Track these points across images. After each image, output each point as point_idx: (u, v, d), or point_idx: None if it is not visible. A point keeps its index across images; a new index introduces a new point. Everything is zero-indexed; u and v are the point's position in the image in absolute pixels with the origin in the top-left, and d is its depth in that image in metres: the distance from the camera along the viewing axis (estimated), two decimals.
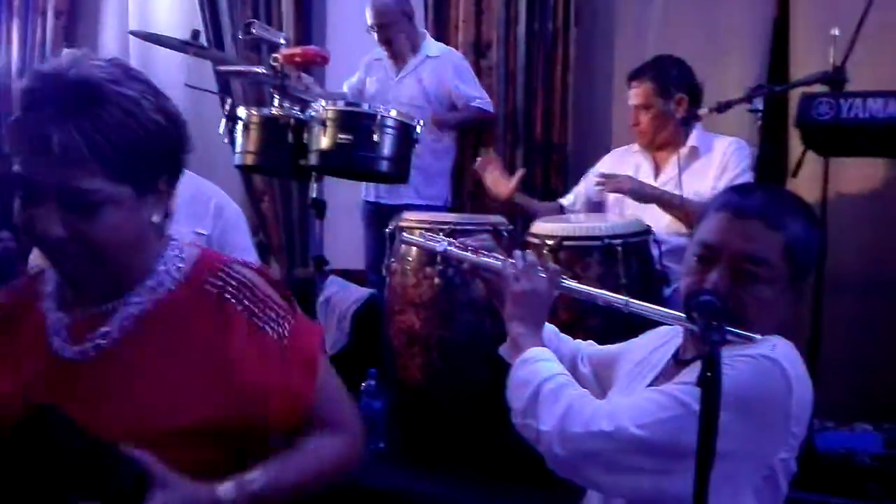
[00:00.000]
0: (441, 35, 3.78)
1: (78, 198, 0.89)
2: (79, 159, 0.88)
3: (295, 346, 1.03)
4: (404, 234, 1.74)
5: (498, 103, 3.67)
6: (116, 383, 0.96)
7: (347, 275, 3.57)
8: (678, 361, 1.33)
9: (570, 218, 2.80)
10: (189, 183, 2.50)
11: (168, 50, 3.16)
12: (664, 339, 1.42)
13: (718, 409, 0.95)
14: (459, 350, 2.53)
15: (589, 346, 1.59)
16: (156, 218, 0.99)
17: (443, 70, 3.41)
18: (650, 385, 1.32)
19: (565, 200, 3.01)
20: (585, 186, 2.93)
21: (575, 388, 1.28)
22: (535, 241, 2.46)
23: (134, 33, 3.28)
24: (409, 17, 3.47)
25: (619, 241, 2.34)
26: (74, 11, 5.13)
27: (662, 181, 2.72)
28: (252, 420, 0.98)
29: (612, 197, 2.79)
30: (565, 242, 2.38)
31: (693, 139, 2.71)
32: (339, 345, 3.13)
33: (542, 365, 1.31)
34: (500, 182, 2.91)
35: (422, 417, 2.65)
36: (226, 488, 0.93)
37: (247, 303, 1.01)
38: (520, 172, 2.96)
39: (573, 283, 1.47)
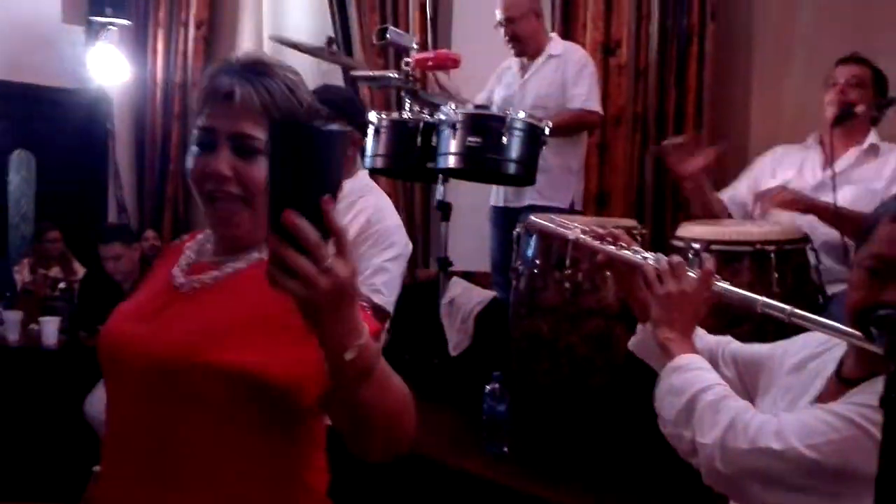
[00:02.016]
0: (569, 34, 3.72)
1: (245, 141, 1.07)
2: (251, 110, 1.07)
3: None
4: (532, 216, 1.66)
5: (627, 103, 3.57)
6: (194, 314, 1.09)
7: (470, 277, 3.57)
8: (843, 379, 1.23)
9: (722, 222, 2.65)
10: None
11: (300, 56, 3.27)
12: (820, 348, 1.31)
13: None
14: (587, 357, 2.48)
15: (731, 344, 1.47)
16: None
17: (564, 67, 3.34)
18: (813, 401, 1.23)
19: (725, 195, 2.74)
20: (748, 185, 2.71)
21: (736, 399, 1.21)
22: (680, 244, 2.35)
23: (273, 38, 3.41)
24: (538, 15, 3.42)
25: (772, 247, 2.21)
26: (213, 21, 5.42)
27: (829, 174, 2.53)
28: (291, 381, 1.02)
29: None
30: (713, 246, 2.26)
31: (872, 137, 2.55)
32: (462, 346, 3.13)
33: (698, 374, 1.25)
34: (682, 162, 2.62)
35: (546, 423, 2.61)
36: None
37: None
38: (710, 153, 2.62)
39: (729, 286, 1.37)
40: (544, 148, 2.90)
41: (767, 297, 2.10)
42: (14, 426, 3.92)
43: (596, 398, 2.47)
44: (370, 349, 0.88)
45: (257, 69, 1.09)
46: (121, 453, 1.10)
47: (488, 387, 2.72)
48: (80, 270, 4.49)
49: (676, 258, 1.36)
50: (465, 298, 3.20)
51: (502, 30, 3.35)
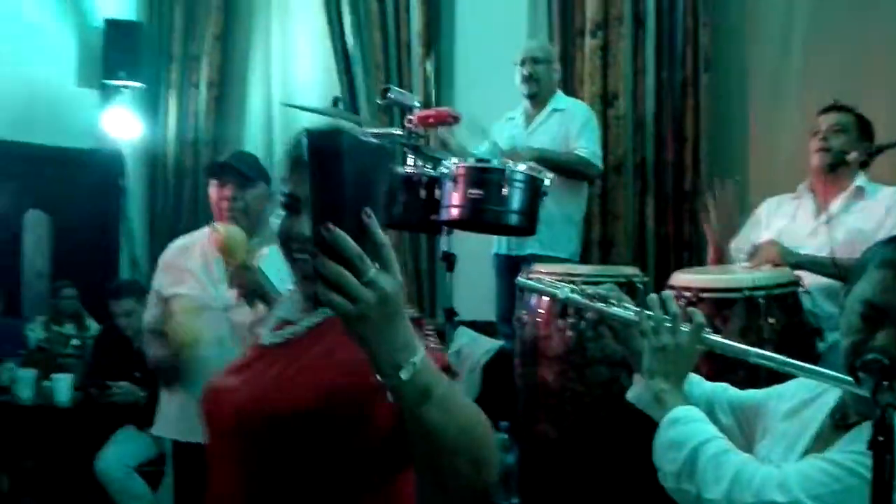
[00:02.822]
0: (569, 87, 3.83)
1: None
2: None
3: None
4: (520, 277, 1.69)
5: (626, 154, 3.65)
6: (271, 369, 1.14)
7: (476, 326, 3.61)
8: (837, 424, 1.26)
9: (710, 270, 2.70)
10: None
11: (309, 115, 3.38)
12: (813, 393, 1.33)
13: (892, 476, 0.91)
14: (594, 405, 2.49)
15: (727, 391, 1.49)
16: None
17: (569, 122, 3.43)
18: (809, 447, 1.25)
19: (731, 245, 2.79)
20: (742, 238, 2.77)
21: (736, 453, 1.23)
22: (673, 292, 2.39)
23: (284, 104, 3.53)
24: (556, 70, 3.56)
25: (761, 292, 2.24)
26: (224, 82, 5.57)
27: (823, 220, 2.59)
28: (356, 411, 1.03)
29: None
30: (703, 294, 2.31)
31: (859, 181, 2.60)
32: (469, 396, 3.14)
33: (696, 426, 1.27)
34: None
35: (555, 473, 2.61)
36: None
37: None
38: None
39: (719, 338, 1.41)
40: (546, 199, 2.97)
41: (759, 342, 2.17)
42: (28, 484, 3.94)
43: (603, 447, 2.47)
44: (427, 368, 0.85)
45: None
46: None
47: (496, 437, 2.73)
48: (93, 327, 4.55)
49: (674, 309, 1.39)
50: (471, 348, 3.23)
51: (519, 69, 3.44)
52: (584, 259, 3.64)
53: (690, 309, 1.43)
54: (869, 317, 1.19)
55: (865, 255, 1.29)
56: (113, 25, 5.46)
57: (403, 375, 0.83)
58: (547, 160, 3.24)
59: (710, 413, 1.46)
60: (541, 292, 1.65)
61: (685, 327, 1.37)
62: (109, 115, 5.52)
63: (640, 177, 3.65)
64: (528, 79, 3.46)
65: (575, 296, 1.47)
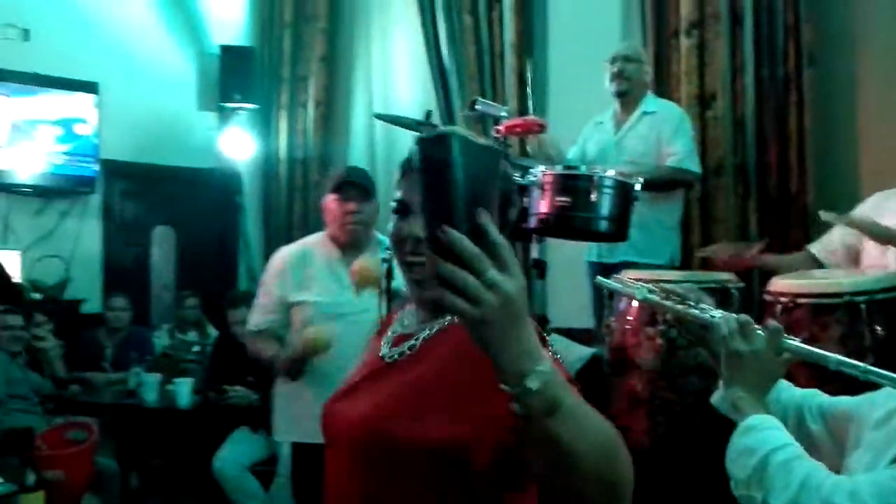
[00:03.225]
0: (664, 89, 3.75)
1: None
2: None
3: None
4: (599, 277, 1.68)
5: (725, 156, 3.54)
6: (389, 385, 1.14)
7: (572, 333, 3.59)
8: None
9: (811, 273, 2.59)
10: None
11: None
12: None
13: None
14: (686, 414, 2.44)
15: (816, 397, 1.44)
16: None
17: (660, 126, 3.36)
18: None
19: (814, 248, 2.76)
20: (841, 233, 2.67)
21: (807, 459, 1.21)
22: (770, 298, 2.32)
23: (377, 116, 3.66)
24: (647, 71, 3.51)
25: (863, 297, 2.13)
26: (330, 101, 5.82)
27: None
28: (483, 444, 1.01)
29: (871, 245, 2.53)
30: (800, 300, 2.22)
31: None
32: None
33: (769, 433, 1.25)
34: (732, 263, 2.77)
35: (647, 482, 2.56)
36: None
37: None
38: (758, 246, 2.80)
39: (798, 343, 1.37)
40: (640, 204, 2.92)
41: (860, 351, 2.06)
42: (155, 482, 4.24)
43: (695, 457, 2.41)
44: (554, 378, 0.81)
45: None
46: None
47: None
48: (214, 334, 4.85)
49: (744, 317, 1.36)
50: (564, 355, 3.20)
51: (609, 68, 3.41)
52: (684, 266, 3.54)
53: (771, 322, 1.39)
54: None
55: None
56: (228, 52, 5.82)
57: (530, 384, 0.80)
58: (645, 184, 3.19)
59: (800, 419, 1.42)
60: (618, 292, 1.66)
61: (761, 331, 1.35)
62: (226, 135, 5.88)
63: (741, 179, 3.52)
64: (619, 76, 3.41)
65: (652, 296, 1.47)
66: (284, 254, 2.74)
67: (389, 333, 1.24)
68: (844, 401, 1.41)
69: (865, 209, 2.62)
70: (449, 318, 1.14)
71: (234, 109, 5.81)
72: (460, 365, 1.05)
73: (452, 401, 1.04)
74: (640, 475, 2.66)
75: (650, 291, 1.49)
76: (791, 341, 1.35)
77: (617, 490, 0.88)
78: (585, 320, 3.60)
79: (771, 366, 1.33)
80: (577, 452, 0.83)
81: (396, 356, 1.17)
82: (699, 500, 2.36)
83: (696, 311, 1.41)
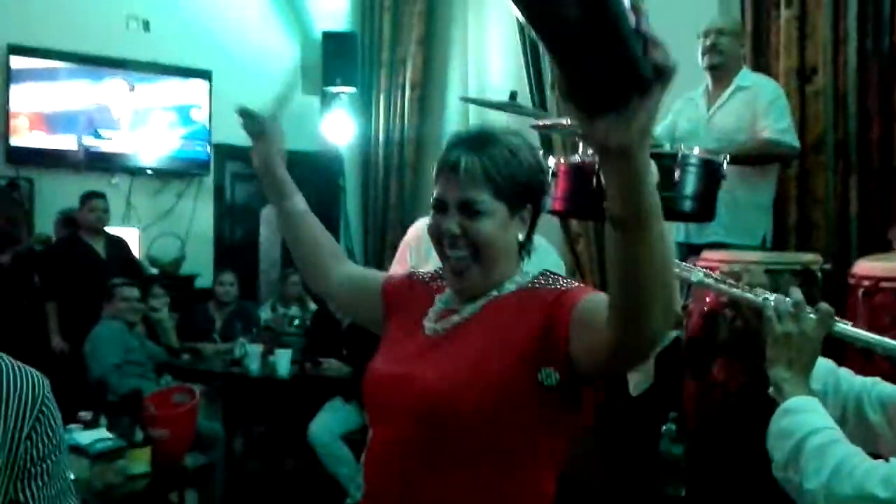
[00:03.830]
0: (761, 62, 3.61)
1: (470, 205, 1.21)
2: (474, 178, 1.21)
3: (566, 294, 1.18)
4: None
5: (825, 131, 3.37)
6: (439, 359, 1.23)
7: None
8: None
9: None
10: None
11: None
12: None
13: None
14: (761, 398, 2.38)
15: (877, 386, 1.41)
16: (520, 236, 1.27)
17: (754, 101, 3.23)
18: None
19: None
20: None
21: (844, 443, 1.19)
22: (853, 281, 2.23)
23: (463, 99, 3.72)
24: (742, 44, 3.40)
25: None
26: (426, 83, 5.92)
27: None
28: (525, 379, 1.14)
29: None
30: (883, 283, 2.11)
31: None
32: (642, 385, 3.11)
33: (808, 416, 1.24)
34: None
35: (723, 466, 2.52)
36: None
37: (542, 282, 1.26)
38: None
39: (849, 327, 1.34)
40: (731, 182, 2.84)
41: None
42: (257, 447, 4.52)
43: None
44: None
45: (481, 139, 1.23)
46: (379, 489, 1.23)
47: (665, 427, 2.70)
48: (314, 309, 5.09)
49: (797, 298, 1.35)
50: None
51: (702, 41, 3.32)
52: (779, 246, 3.41)
53: (822, 304, 1.36)
54: None
55: None
56: (330, 37, 6.02)
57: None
58: (736, 157, 3.04)
59: (859, 409, 1.40)
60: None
61: (812, 314, 1.33)
62: (329, 119, 6.10)
63: (842, 156, 3.34)
64: (711, 49, 3.29)
65: (708, 280, 1.47)
66: (420, 224, 2.74)
67: (432, 312, 1.30)
68: None
69: None
70: (490, 297, 1.25)
71: (336, 94, 6.01)
72: (510, 324, 1.16)
73: (506, 353, 1.15)
74: (718, 458, 2.62)
75: (706, 275, 1.49)
76: (842, 324, 1.32)
77: (668, 315, 0.96)
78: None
79: (817, 348, 1.31)
80: (655, 257, 0.91)
81: (441, 331, 1.26)
82: (774, 487, 2.31)
83: (750, 295, 1.40)
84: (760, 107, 3.21)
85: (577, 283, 1.24)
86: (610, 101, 0.77)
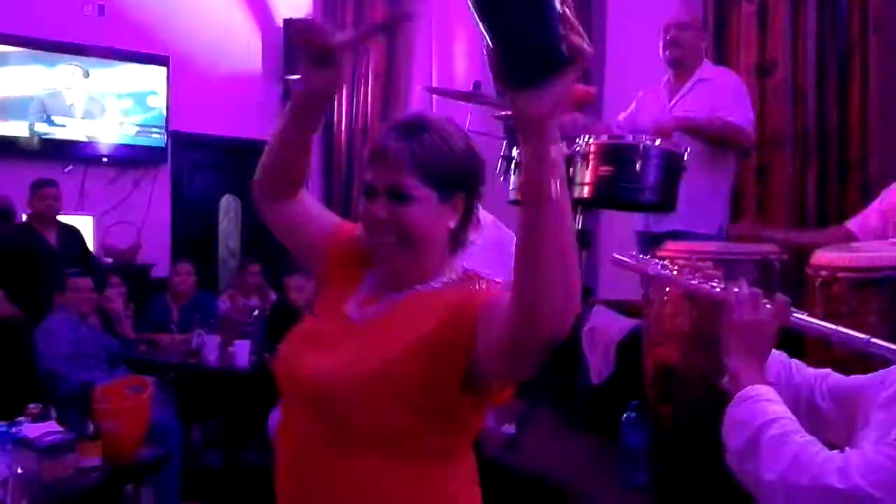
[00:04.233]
0: (722, 57, 3.64)
1: (398, 191, 1.20)
2: (403, 164, 1.20)
3: (479, 295, 1.20)
4: (615, 254, 1.69)
5: (786, 124, 3.42)
6: (357, 345, 1.22)
7: (621, 305, 3.56)
8: None
9: (858, 247, 2.50)
10: (501, 234, 2.72)
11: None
12: None
13: None
14: (717, 382, 2.40)
15: (828, 377, 1.42)
16: (451, 224, 1.25)
17: (716, 93, 3.26)
18: None
19: (852, 224, 2.69)
20: (869, 213, 2.59)
21: (801, 434, 1.20)
22: (810, 271, 2.26)
23: (426, 89, 3.69)
24: (703, 38, 3.42)
25: None
26: (389, 73, 5.87)
27: None
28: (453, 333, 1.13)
29: None
30: (840, 274, 2.14)
31: None
32: (604, 374, 3.13)
33: (764, 405, 1.24)
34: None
35: (684, 453, 2.55)
36: None
37: (464, 281, 1.25)
38: None
39: (805, 317, 1.35)
40: (691, 172, 2.86)
41: None
42: (216, 437, 4.45)
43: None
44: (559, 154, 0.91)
45: (413, 126, 1.22)
46: (289, 478, 1.23)
47: (626, 416, 2.72)
48: (273, 300, 5.01)
49: (755, 290, 1.35)
50: (605, 327, 3.20)
51: (663, 35, 3.34)
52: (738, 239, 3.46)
53: (778, 295, 1.37)
54: None
55: None
56: (292, 24, 5.93)
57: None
58: (694, 129, 3.12)
59: (811, 399, 1.41)
60: (631, 269, 1.65)
61: (769, 304, 1.33)
62: None
63: (800, 148, 3.40)
64: (672, 43, 3.31)
65: (665, 272, 1.47)
66: None
67: (354, 295, 1.29)
68: (853, 380, 1.38)
69: None
70: (415, 289, 1.24)
71: (297, 82, 5.91)
72: (421, 322, 1.16)
73: (412, 351, 1.14)
74: (679, 445, 2.63)
75: (662, 268, 1.48)
76: (798, 314, 1.33)
77: (571, 297, 0.97)
78: (635, 292, 3.56)
79: (773, 338, 1.32)
80: (550, 245, 0.94)
81: (363, 317, 1.25)
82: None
83: (707, 286, 1.40)
84: (721, 99, 3.24)
85: (499, 283, 1.23)
86: (531, 77, 0.87)
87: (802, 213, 3.42)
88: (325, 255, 1.38)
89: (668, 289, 2.53)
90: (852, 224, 2.71)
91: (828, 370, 1.44)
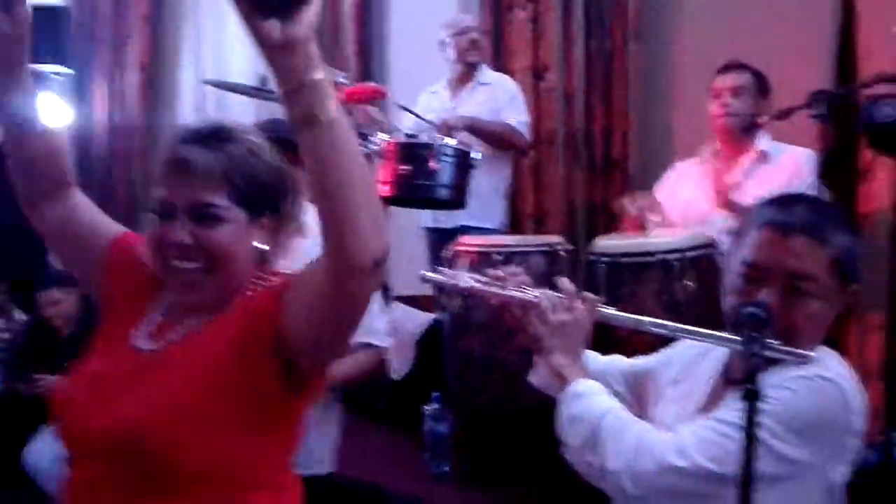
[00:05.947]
0: (499, 62, 3.82)
1: (205, 209, 1.09)
2: (210, 180, 1.09)
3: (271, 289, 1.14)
4: (422, 272, 1.71)
5: (557, 126, 3.68)
6: (147, 378, 1.11)
7: (417, 301, 3.60)
8: (727, 381, 1.29)
9: (629, 234, 2.74)
10: None
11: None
12: (704, 350, 1.37)
13: (760, 422, 0.98)
14: (519, 371, 2.51)
15: (619, 362, 1.53)
16: (260, 245, 1.16)
17: (494, 96, 3.45)
18: (704, 407, 1.28)
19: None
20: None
21: (637, 422, 1.27)
22: (593, 258, 2.44)
23: (208, 82, 3.46)
24: (483, 42, 3.56)
25: (675, 255, 2.29)
26: (154, 64, 5.45)
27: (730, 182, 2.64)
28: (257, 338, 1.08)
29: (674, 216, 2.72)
30: (621, 259, 2.35)
31: (762, 144, 2.63)
32: (403, 370, 3.15)
33: (597, 399, 1.29)
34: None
35: (486, 440, 2.63)
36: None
37: (253, 287, 1.17)
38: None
39: (613, 311, 1.43)
40: (474, 171, 2.97)
41: (673, 305, 2.21)
42: None
43: (532, 412, 2.49)
44: (325, 90, 0.89)
45: (217, 135, 1.11)
46: None
47: (428, 407, 2.75)
48: (22, 320, 4.42)
49: (569, 287, 1.40)
50: (404, 322, 3.23)
51: (458, 40, 3.42)
52: (518, 232, 3.66)
53: (588, 294, 1.43)
54: (750, 276, 1.23)
55: (746, 218, 1.35)
56: (38, 11, 5.27)
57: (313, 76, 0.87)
58: (478, 129, 3.28)
59: (606, 385, 1.48)
60: (444, 285, 1.64)
61: (581, 303, 1.39)
62: (38, 102, 5.35)
63: (570, 147, 3.67)
64: (472, 46, 3.43)
65: (477, 285, 1.47)
66: None
67: (145, 326, 1.17)
68: (641, 361, 1.50)
69: (670, 179, 2.83)
70: (211, 316, 1.14)
71: (45, 74, 5.30)
72: (222, 343, 1.09)
73: (226, 356, 1.08)
74: (479, 433, 2.70)
75: (476, 281, 1.48)
76: (607, 310, 1.40)
77: (377, 228, 0.95)
78: (428, 287, 3.61)
79: (587, 333, 1.38)
80: (340, 164, 0.91)
81: (155, 349, 1.14)
82: (536, 456, 2.45)
83: (519, 294, 1.42)
84: (502, 102, 3.43)
85: (289, 272, 1.17)
86: (277, 5, 0.86)
87: (573, 209, 3.70)
88: (103, 268, 1.23)
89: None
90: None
91: (618, 356, 1.54)
